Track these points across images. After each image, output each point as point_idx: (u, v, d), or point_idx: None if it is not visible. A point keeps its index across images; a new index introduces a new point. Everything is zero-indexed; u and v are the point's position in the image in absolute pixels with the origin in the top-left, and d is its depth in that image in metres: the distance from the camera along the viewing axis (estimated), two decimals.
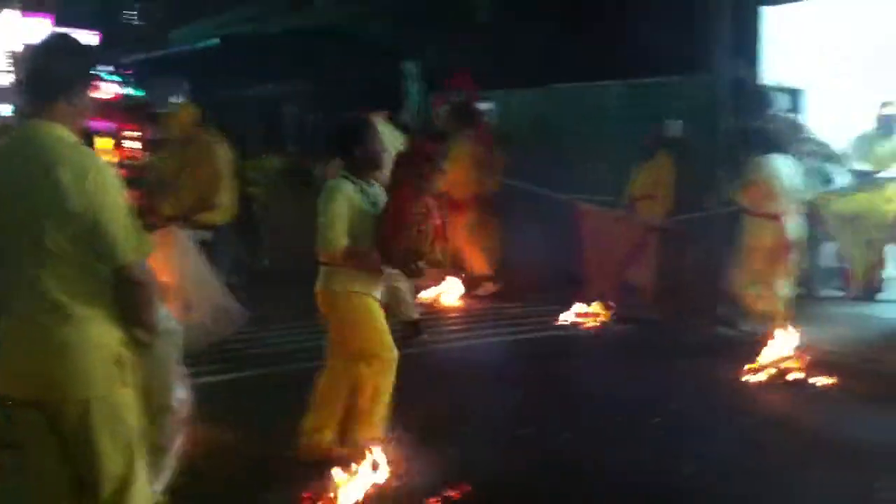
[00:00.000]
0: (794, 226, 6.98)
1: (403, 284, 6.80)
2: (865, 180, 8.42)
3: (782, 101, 8.77)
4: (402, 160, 4.67)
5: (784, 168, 6.94)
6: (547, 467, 4.73)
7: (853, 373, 6.21)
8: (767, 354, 6.39)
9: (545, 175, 9.02)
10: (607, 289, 8.53)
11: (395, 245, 4.40)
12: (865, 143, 8.66)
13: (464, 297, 9.01)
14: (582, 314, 8.02)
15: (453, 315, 8.56)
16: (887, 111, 8.59)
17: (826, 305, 8.35)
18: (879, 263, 8.48)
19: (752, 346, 6.58)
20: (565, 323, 7.98)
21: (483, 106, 9.93)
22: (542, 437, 5.17)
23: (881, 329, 7.56)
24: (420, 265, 4.54)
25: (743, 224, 7.13)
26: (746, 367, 6.32)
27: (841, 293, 8.64)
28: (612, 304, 8.19)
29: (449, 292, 8.96)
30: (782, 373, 6.22)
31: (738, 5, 8.68)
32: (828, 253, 8.85)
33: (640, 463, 4.76)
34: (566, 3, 10.29)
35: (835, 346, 6.82)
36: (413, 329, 7.04)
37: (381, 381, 4.49)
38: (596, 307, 8.09)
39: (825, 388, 6.01)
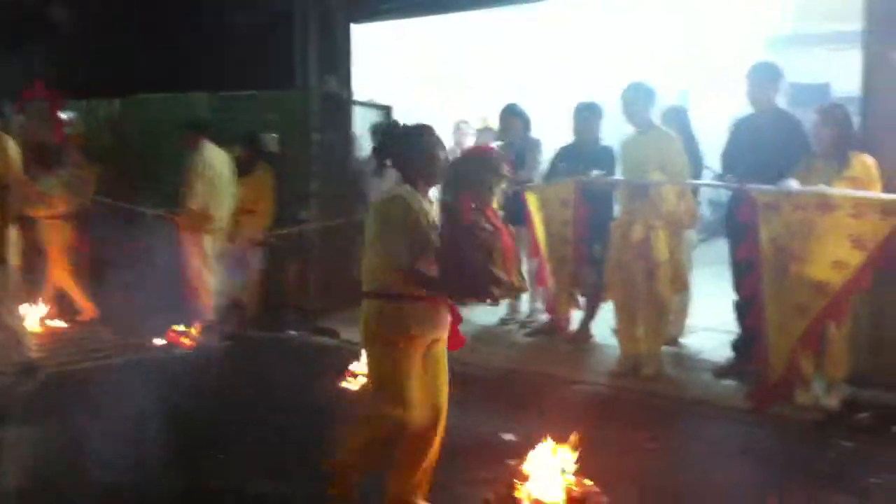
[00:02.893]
0: None
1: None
2: None
3: (372, 117, 9.08)
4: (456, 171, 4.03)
5: None
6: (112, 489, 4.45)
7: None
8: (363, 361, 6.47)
9: (133, 189, 8.56)
10: (207, 306, 8.28)
11: (465, 274, 3.77)
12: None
13: (54, 321, 8.27)
14: (178, 334, 7.63)
15: (44, 341, 7.75)
16: (463, 129, 9.14)
17: None
18: None
19: (352, 354, 6.66)
20: (160, 345, 7.55)
21: (66, 116, 9.19)
22: (114, 461, 4.77)
23: (467, 331, 7.85)
24: (498, 291, 3.86)
25: None
26: (344, 374, 6.36)
27: None
28: (211, 321, 7.93)
29: (31, 316, 8.13)
30: None
31: (329, 21, 8.86)
32: None
33: (228, 477, 4.64)
34: (157, 12, 9.88)
35: None
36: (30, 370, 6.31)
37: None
38: (194, 326, 7.76)
39: None
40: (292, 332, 7.90)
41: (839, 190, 5.34)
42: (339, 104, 8.80)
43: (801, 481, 4.54)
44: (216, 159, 8.04)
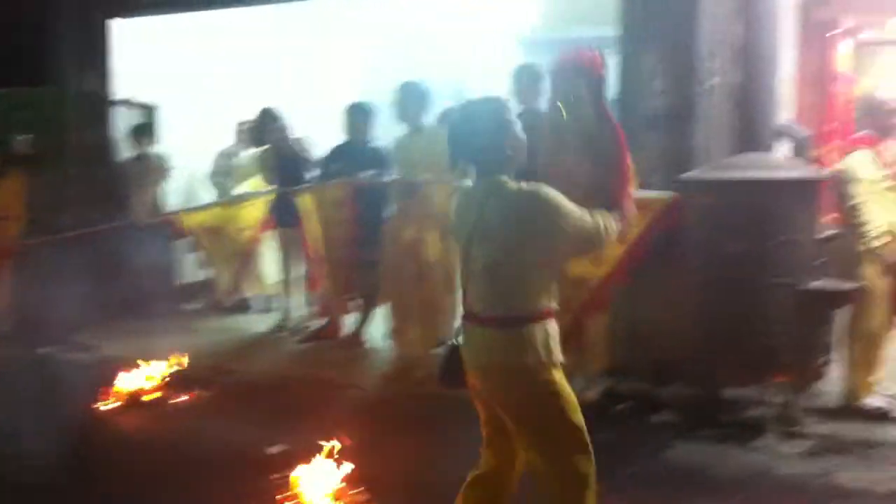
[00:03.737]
0: None
1: None
2: (227, 197, 8.65)
3: (134, 117, 8.65)
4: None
5: None
6: None
7: (211, 385, 6.26)
8: (125, 376, 6.13)
9: None
10: None
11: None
12: (225, 160, 8.94)
13: None
14: None
15: None
16: (243, 128, 8.90)
17: (191, 319, 8.39)
18: (243, 275, 8.73)
19: (109, 369, 6.27)
20: None
21: None
22: None
23: (239, 340, 7.79)
24: None
25: None
26: (102, 391, 5.99)
27: (208, 306, 8.74)
28: None
29: None
30: (139, 394, 6.02)
31: (85, 16, 8.38)
32: (193, 266, 8.94)
33: None
34: None
35: (195, 359, 6.80)
36: None
37: None
38: None
39: (184, 403, 5.97)
40: (45, 348, 7.35)
41: None
42: (97, 103, 8.33)
43: None
44: None
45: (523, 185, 3.11)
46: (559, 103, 3.64)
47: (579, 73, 3.41)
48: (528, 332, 3.08)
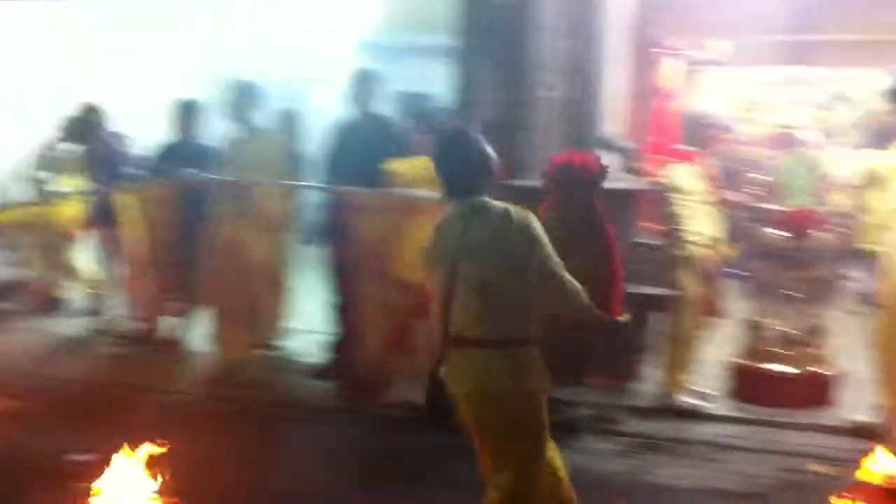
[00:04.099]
0: None
1: None
2: (45, 194, 8.21)
3: None
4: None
5: None
6: None
7: (18, 390, 5.83)
8: None
9: None
10: None
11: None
12: (45, 155, 8.53)
13: None
14: None
15: None
16: (65, 123, 8.49)
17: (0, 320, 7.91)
18: (59, 275, 8.29)
19: None
20: None
21: None
22: None
23: (52, 342, 7.39)
24: None
25: None
26: None
27: (20, 307, 8.24)
28: None
29: None
30: None
31: None
32: (5, 265, 8.45)
33: None
34: None
35: (3, 363, 6.43)
36: None
37: None
38: None
39: None
40: None
41: (427, 192, 5.53)
42: None
43: (396, 477, 4.64)
44: None
45: (509, 206, 3.22)
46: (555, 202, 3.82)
47: (573, 174, 3.73)
48: (529, 353, 3.17)
